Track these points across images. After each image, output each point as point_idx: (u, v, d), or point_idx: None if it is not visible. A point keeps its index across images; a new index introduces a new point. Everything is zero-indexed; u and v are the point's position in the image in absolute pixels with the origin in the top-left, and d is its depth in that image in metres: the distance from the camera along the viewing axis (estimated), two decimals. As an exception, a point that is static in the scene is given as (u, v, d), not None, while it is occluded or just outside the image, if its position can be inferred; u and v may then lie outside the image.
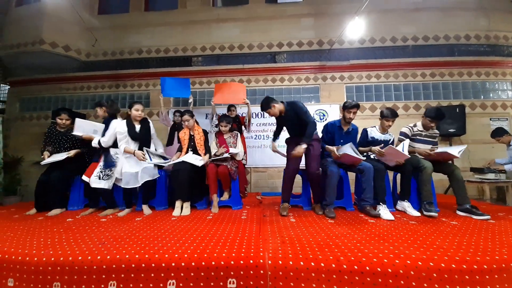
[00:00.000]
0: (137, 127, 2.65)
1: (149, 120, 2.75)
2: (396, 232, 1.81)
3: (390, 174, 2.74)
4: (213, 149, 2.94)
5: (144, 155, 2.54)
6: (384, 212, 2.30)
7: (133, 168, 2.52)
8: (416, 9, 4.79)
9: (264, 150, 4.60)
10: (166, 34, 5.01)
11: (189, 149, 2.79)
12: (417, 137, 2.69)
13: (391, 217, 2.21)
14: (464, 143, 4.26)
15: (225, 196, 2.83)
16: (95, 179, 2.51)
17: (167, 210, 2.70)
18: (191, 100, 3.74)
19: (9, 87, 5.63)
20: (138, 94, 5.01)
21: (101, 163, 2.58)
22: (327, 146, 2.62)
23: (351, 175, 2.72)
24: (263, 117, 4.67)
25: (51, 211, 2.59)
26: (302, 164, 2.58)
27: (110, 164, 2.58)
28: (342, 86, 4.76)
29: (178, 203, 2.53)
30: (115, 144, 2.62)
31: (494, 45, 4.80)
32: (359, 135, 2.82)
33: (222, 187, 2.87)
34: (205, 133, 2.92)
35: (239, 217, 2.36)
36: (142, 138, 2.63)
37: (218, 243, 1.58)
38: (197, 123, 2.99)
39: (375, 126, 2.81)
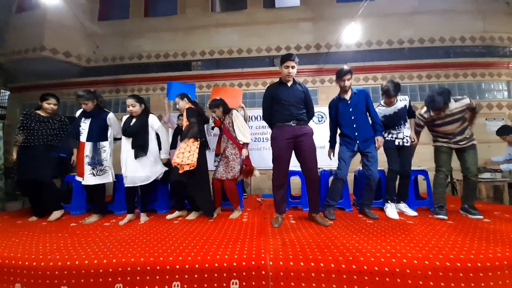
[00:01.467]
0: (133, 121, 2.48)
1: (151, 116, 2.56)
2: (393, 232, 1.86)
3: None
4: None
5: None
6: (391, 211, 2.37)
7: (136, 166, 2.41)
8: (412, 12, 4.88)
9: (263, 152, 4.65)
10: (166, 40, 5.08)
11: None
12: (438, 121, 2.38)
13: (397, 216, 2.28)
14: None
15: (235, 214, 2.55)
16: (90, 177, 2.40)
17: (168, 213, 2.70)
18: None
19: (9, 93, 5.69)
20: (138, 98, 5.06)
21: (87, 159, 2.42)
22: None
23: (349, 176, 2.68)
24: (262, 119, 4.73)
25: (51, 216, 2.56)
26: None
27: (95, 163, 2.40)
28: (340, 88, 4.83)
29: (178, 213, 2.55)
30: (104, 137, 2.51)
31: (489, 46, 4.89)
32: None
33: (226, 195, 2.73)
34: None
35: (240, 219, 2.40)
36: (132, 134, 2.42)
37: (220, 245, 1.62)
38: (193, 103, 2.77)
39: (379, 105, 2.64)
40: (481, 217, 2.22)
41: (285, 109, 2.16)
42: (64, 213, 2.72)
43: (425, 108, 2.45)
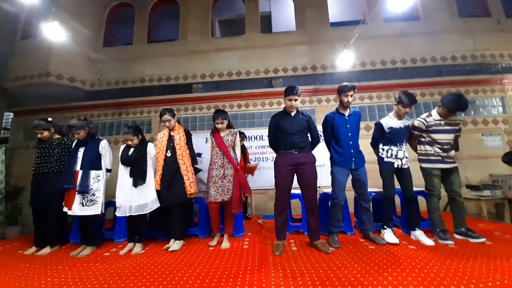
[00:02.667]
0: (131, 150, 2.52)
1: (149, 144, 2.60)
2: (395, 260, 1.85)
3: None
4: (209, 152, 2.63)
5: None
6: (388, 235, 2.33)
7: (131, 194, 2.42)
8: (402, 34, 5.10)
9: (263, 172, 4.67)
10: (168, 64, 5.27)
11: (168, 150, 2.53)
12: (435, 127, 2.39)
13: (396, 241, 2.25)
14: (460, 160, 4.35)
15: (225, 243, 2.41)
16: (78, 207, 2.35)
17: (164, 242, 2.61)
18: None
19: (13, 116, 5.81)
20: (140, 120, 5.16)
21: (77, 188, 2.38)
22: None
23: (348, 195, 2.62)
24: (262, 139, 4.80)
25: (41, 251, 2.46)
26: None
27: (83, 190, 2.36)
28: (337, 107, 4.95)
29: (172, 241, 2.45)
30: (97, 166, 2.49)
31: (481, 63, 5.05)
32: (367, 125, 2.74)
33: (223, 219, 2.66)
34: (188, 133, 2.67)
35: (241, 246, 2.39)
36: (131, 163, 2.46)
37: (221, 279, 1.62)
38: (179, 122, 2.75)
39: (388, 115, 2.58)
40: (484, 240, 2.21)
41: (287, 137, 2.25)
42: (62, 245, 2.66)
43: (426, 114, 2.50)
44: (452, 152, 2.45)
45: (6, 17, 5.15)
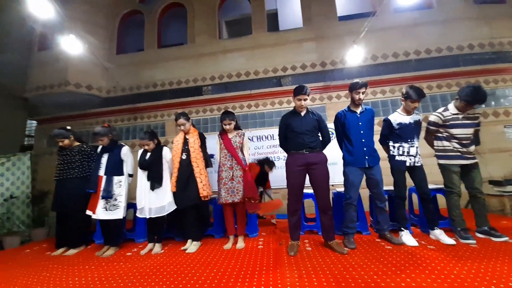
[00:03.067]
0: (148, 154, 2.62)
1: (164, 148, 2.69)
2: (413, 261, 1.81)
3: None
4: (217, 154, 2.65)
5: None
6: (406, 238, 2.26)
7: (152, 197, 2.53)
8: (414, 24, 4.91)
9: (275, 172, 4.67)
10: (178, 67, 5.39)
11: (183, 153, 2.59)
12: (453, 121, 2.32)
13: (415, 243, 2.17)
14: (481, 154, 4.16)
15: (240, 243, 2.46)
16: (102, 211, 2.47)
17: (181, 242, 2.70)
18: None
19: (36, 124, 6.16)
20: (154, 124, 5.32)
21: (102, 193, 2.50)
22: None
23: (363, 193, 2.61)
24: (273, 139, 4.80)
25: (68, 251, 2.61)
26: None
27: (107, 195, 2.48)
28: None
29: (189, 242, 2.51)
30: (119, 171, 2.61)
31: (499, 52, 4.78)
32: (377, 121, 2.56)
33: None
34: (202, 136, 2.72)
35: (256, 246, 2.43)
36: (147, 167, 2.56)
37: (237, 280, 1.66)
38: (194, 125, 2.80)
39: (396, 111, 2.52)
40: (507, 238, 2.12)
41: (298, 137, 2.25)
42: (87, 245, 2.82)
43: (442, 108, 2.42)
44: (472, 147, 2.35)
45: (23, 30, 5.45)
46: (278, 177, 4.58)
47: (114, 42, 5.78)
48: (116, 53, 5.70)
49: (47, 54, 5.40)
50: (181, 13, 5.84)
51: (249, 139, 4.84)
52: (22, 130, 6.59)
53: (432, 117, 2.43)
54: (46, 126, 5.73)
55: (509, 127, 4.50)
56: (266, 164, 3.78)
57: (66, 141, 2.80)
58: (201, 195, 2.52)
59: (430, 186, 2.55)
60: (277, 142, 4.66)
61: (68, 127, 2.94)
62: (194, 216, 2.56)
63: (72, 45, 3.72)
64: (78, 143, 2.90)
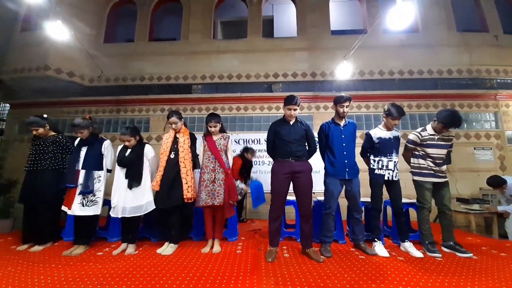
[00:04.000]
0: (128, 151, 2.52)
1: (147, 146, 2.60)
2: (383, 271, 1.90)
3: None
4: (201, 155, 2.63)
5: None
6: (379, 248, 2.36)
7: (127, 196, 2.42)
8: (401, 46, 5.20)
9: (259, 176, 4.69)
10: (168, 63, 5.28)
11: (172, 152, 2.54)
12: (429, 141, 2.49)
13: (387, 254, 2.27)
14: (451, 172, 4.45)
15: (216, 247, 2.43)
16: (78, 207, 2.35)
17: (158, 243, 2.63)
18: None
19: (9, 108, 5.75)
20: (138, 118, 5.16)
21: (79, 188, 2.38)
22: None
23: (342, 202, 2.66)
24: (259, 143, 4.84)
25: (34, 247, 2.44)
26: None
27: (86, 191, 2.37)
28: (335, 115, 5.02)
29: (166, 245, 2.43)
30: (100, 166, 2.50)
31: (476, 78, 5.16)
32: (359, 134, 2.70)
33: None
34: (193, 137, 2.68)
35: (234, 251, 2.42)
36: (127, 164, 2.46)
37: (213, 284, 1.65)
38: (185, 125, 2.75)
39: (377, 127, 2.66)
40: (470, 255, 2.27)
41: (285, 145, 2.30)
42: (54, 242, 2.64)
43: (420, 128, 2.59)
44: (444, 167, 2.53)
45: (6, 9, 5.09)
46: (262, 182, 4.61)
47: (103, 30, 5.57)
48: (103, 42, 5.49)
49: (29, 35, 5.09)
50: (176, 8, 5.77)
51: (236, 141, 4.84)
52: (-8, 112, 6.14)
53: (411, 136, 2.59)
54: (20, 111, 5.37)
55: (479, 149, 4.86)
56: (246, 152, 4.04)
57: (41, 130, 2.61)
58: (184, 196, 2.46)
59: (404, 200, 2.69)
60: (263, 146, 4.73)
61: (45, 115, 2.75)
62: (177, 217, 2.50)
63: (56, 28, 3.55)
64: (54, 133, 2.73)
